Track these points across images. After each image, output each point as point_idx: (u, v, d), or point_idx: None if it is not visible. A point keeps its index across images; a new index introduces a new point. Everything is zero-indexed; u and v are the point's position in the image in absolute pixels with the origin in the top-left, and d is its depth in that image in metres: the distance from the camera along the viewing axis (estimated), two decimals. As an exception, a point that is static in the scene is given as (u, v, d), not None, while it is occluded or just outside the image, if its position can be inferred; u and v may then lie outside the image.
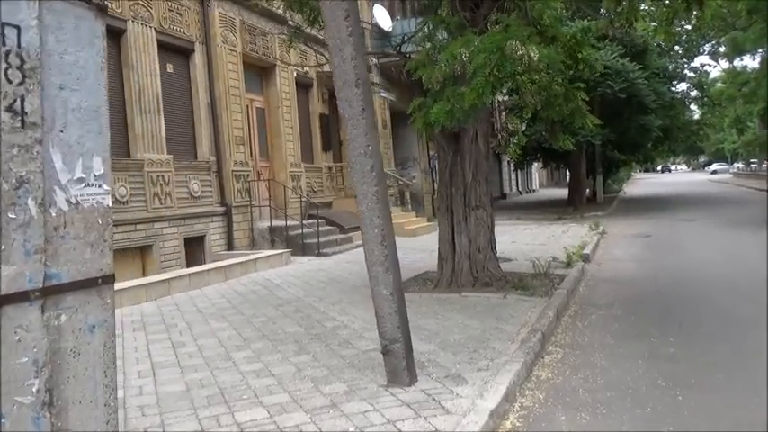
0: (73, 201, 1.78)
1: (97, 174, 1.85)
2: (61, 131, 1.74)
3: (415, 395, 3.76)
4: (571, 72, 7.58)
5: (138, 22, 9.97)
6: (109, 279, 1.90)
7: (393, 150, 18.80)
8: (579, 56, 7.54)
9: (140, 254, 9.99)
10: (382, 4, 17.27)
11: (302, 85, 14.78)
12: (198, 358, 4.98)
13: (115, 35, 9.71)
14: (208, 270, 8.97)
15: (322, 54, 9.67)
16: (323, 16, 3.40)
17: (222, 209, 11.54)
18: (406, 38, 7.99)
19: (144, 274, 9.82)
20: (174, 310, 6.99)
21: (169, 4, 10.72)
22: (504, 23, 5.02)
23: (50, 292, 1.71)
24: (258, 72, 13.32)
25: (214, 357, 4.98)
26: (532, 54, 4.42)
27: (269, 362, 4.75)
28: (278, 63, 13.46)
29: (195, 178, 11.07)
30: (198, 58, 11.38)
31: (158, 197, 10.11)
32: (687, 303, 6.62)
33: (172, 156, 10.44)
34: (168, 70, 10.83)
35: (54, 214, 1.72)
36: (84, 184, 1.81)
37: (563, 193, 29.30)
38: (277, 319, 6.34)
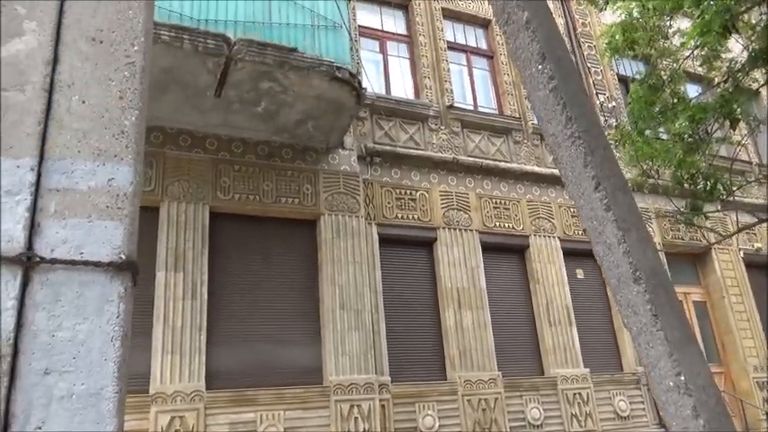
0: None
1: (86, 482, 1.40)
2: (38, 428, 1.40)
3: None
4: None
5: (540, 236, 10.06)
6: None
7: None
8: None
9: (562, 486, 8.80)
10: None
11: (756, 266, 11.93)
12: None
13: (520, 251, 9.97)
14: None
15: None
16: (561, 173, 2.40)
17: None
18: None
19: None
20: None
21: (571, 210, 10.58)
22: None
23: None
24: (689, 260, 11.49)
25: None
26: None
27: None
28: (714, 246, 11.34)
29: (621, 394, 9.56)
30: (610, 258, 10.57)
31: (576, 418, 9.00)
32: None
33: (588, 369, 9.40)
34: (578, 276, 10.32)
35: None
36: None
37: None
38: None
